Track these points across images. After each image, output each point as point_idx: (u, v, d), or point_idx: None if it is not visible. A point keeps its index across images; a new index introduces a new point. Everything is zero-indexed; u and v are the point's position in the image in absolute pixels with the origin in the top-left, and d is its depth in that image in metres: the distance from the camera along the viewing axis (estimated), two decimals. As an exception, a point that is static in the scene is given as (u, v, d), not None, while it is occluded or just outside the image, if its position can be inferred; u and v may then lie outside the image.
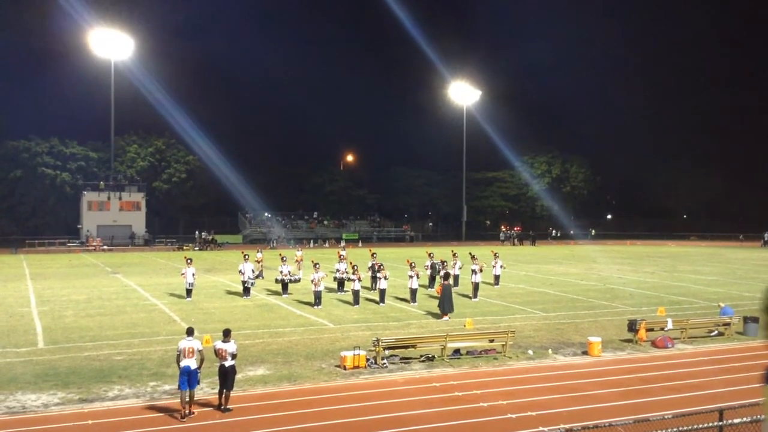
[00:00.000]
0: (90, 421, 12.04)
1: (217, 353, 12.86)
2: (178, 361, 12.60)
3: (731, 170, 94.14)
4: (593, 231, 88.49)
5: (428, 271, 30.55)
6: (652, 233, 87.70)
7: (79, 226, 71.06)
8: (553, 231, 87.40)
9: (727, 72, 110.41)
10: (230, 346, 12.83)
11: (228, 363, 12.69)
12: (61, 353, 17.32)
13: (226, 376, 12.65)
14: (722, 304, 22.22)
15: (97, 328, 20.73)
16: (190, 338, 12.76)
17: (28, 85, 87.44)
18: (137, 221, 71.91)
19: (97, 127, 77.47)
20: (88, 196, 70.49)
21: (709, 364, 16.96)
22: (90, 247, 63.07)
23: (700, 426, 8.77)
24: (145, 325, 21.34)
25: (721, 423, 8.78)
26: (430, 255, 32.18)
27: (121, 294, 28.96)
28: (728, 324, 20.38)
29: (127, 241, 68.92)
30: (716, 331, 20.45)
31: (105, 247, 63.14)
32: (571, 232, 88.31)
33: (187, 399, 12.47)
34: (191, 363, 12.47)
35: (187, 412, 12.37)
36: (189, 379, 12.39)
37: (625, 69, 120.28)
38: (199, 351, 12.62)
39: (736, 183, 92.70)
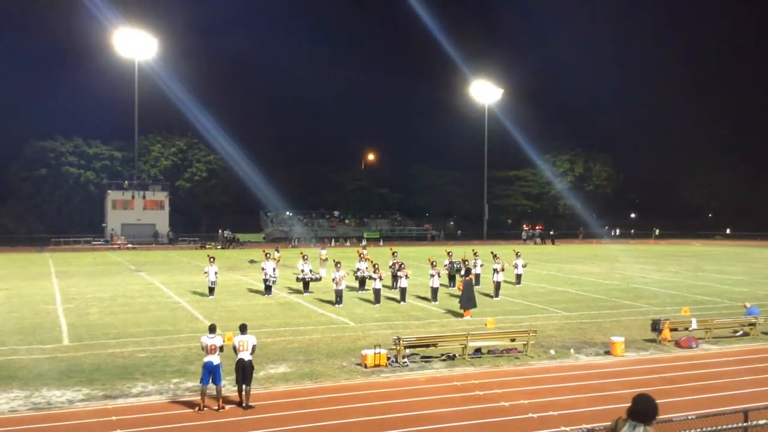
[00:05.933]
0: (114, 417, 12.19)
1: (236, 348, 12.97)
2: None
3: (758, 169, 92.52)
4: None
5: (447, 271, 30.45)
6: (676, 232, 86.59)
7: (104, 225, 71.93)
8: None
9: (756, 69, 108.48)
10: (251, 338, 13.00)
11: (247, 357, 12.79)
12: (86, 350, 17.56)
13: (245, 371, 12.75)
14: (748, 304, 21.88)
15: (121, 326, 20.98)
16: (212, 335, 12.91)
17: (52, 85, 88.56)
18: (161, 220, 72.69)
19: (121, 126, 78.27)
20: (112, 195, 71.40)
21: (734, 365, 16.73)
22: (114, 246, 63.80)
23: (725, 427, 8.64)
24: (168, 323, 21.55)
25: (746, 424, 8.65)
26: (449, 254, 32.11)
27: (145, 292, 29.27)
28: (754, 324, 20.09)
29: (150, 240, 69.63)
30: (741, 332, 20.17)
31: (129, 245, 63.81)
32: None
33: (216, 395, 12.72)
34: (214, 359, 12.65)
35: (204, 405, 12.60)
36: (213, 375, 12.55)
37: (649, 66, 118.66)
38: (221, 347, 12.79)
39: (763, 182, 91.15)
